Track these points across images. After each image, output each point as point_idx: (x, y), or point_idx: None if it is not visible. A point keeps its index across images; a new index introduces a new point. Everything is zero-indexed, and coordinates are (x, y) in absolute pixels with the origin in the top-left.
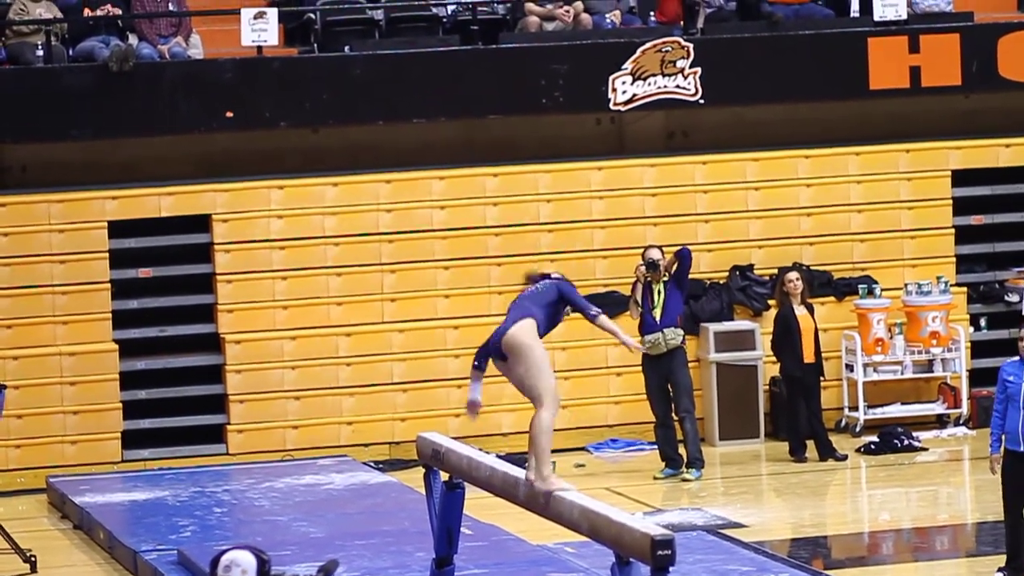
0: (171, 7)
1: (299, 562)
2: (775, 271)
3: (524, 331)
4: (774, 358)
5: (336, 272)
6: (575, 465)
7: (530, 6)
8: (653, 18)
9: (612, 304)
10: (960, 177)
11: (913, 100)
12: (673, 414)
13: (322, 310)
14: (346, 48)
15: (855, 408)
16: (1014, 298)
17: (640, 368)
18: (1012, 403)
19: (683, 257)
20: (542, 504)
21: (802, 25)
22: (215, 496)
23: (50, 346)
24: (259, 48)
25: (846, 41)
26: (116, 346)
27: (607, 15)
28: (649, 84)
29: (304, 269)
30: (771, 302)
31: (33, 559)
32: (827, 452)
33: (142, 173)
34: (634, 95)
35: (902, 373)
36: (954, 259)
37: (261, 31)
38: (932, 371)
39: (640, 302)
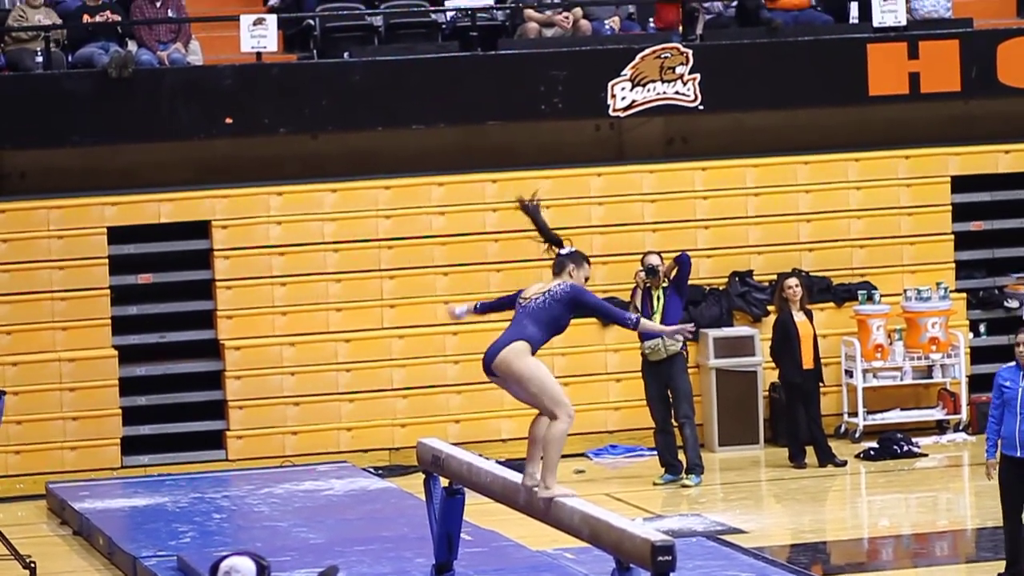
0: (170, 13)
1: (299, 568)
2: (774, 277)
3: (513, 356)
4: (773, 364)
5: (335, 278)
6: (575, 471)
7: (529, 12)
8: (652, 24)
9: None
10: (959, 183)
11: (912, 106)
12: (673, 420)
13: (321, 316)
14: (345, 54)
15: (854, 414)
16: (1013, 304)
17: (640, 374)
18: (1009, 408)
19: (682, 263)
20: (542, 510)
21: (801, 31)
22: (214, 502)
23: (49, 352)
24: (258, 54)
25: (845, 47)
26: (115, 352)
27: (606, 21)
28: (648, 90)
29: (303, 275)
30: (770, 308)
31: (33, 565)
32: (826, 458)
33: (141, 179)
34: (633, 101)
35: (901, 379)
36: (953, 265)
37: (260, 37)
38: (931, 377)
39: (640, 308)
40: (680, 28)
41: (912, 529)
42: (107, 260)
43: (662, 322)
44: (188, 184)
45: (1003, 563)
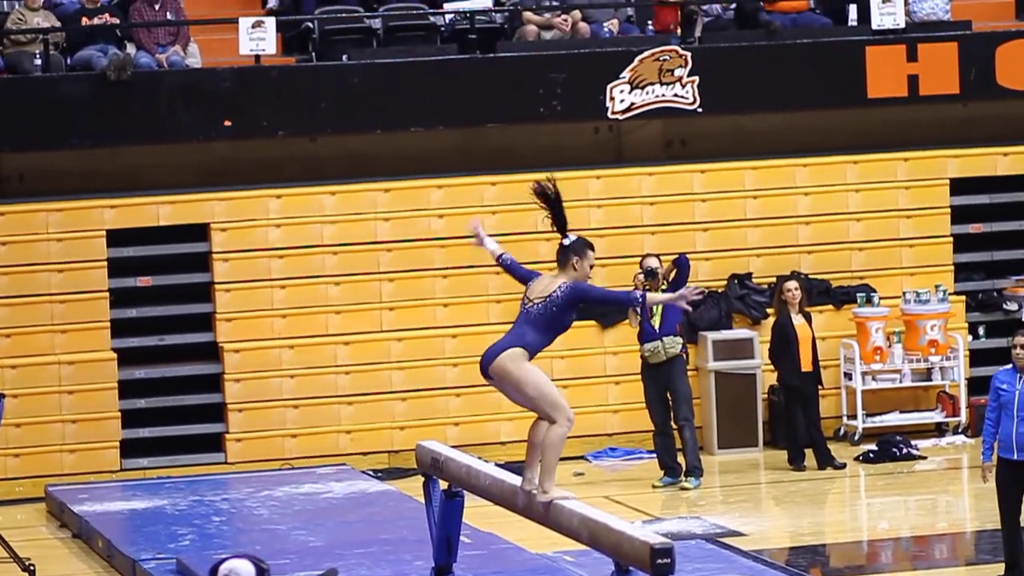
0: (169, 16)
1: (298, 571)
2: (773, 279)
3: (508, 363)
4: (772, 367)
5: (335, 281)
6: (574, 474)
7: (528, 15)
8: (651, 27)
9: (611, 313)
10: (958, 185)
11: (911, 109)
12: (672, 422)
13: (321, 319)
14: (344, 57)
15: (853, 416)
16: (1012, 306)
17: (639, 377)
18: (1005, 411)
19: (681, 265)
20: (541, 512)
21: (800, 34)
22: (214, 505)
23: (49, 355)
24: (257, 57)
25: (844, 50)
26: (115, 355)
27: (605, 24)
28: (647, 93)
29: (303, 278)
30: (770, 311)
31: (32, 568)
32: (826, 460)
33: (140, 182)
34: (632, 104)
35: (900, 381)
36: (952, 267)
37: (259, 40)
38: (931, 379)
39: (639, 311)
40: (679, 31)
41: (911, 531)
42: (106, 263)
43: (661, 325)
44: (187, 187)
45: (1002, 565)
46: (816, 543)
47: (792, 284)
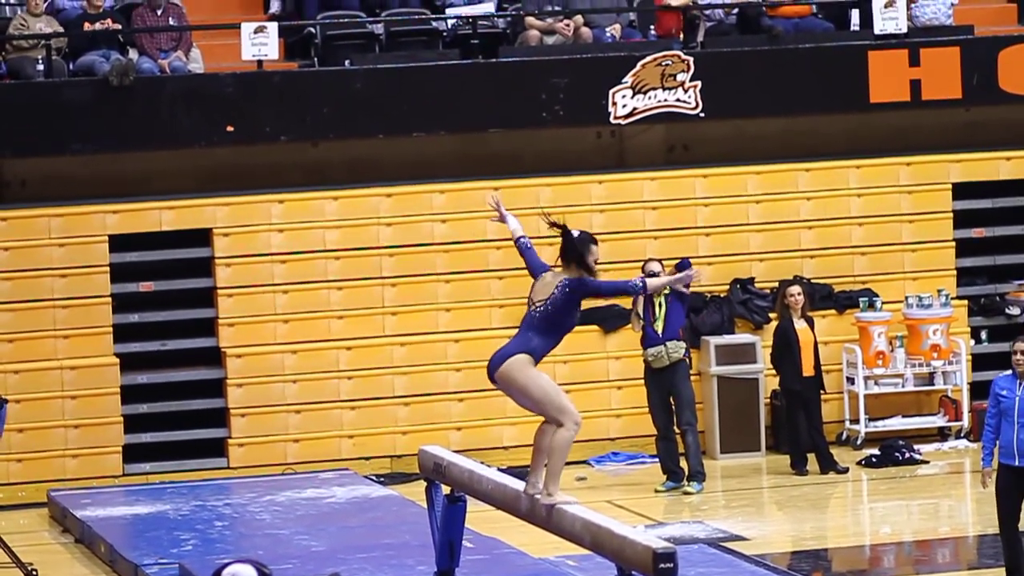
0: (171, 21)
1: (300, 575)
2: (776, 284)
3: (514, 369)
4: (774, 371)
5: (337, 286)
6: (576, 478)
7: (530, 20)
8: (653, 32)
9: (614, 317)
10: (961, 190)
11: (913, 113)
12: (675, 427)
13: (323, 324)
14: (346, 62)
15: (856, 421)
16: (1015, 311)
17: (641, 381)
18: (1006, 418)
19: (683, 270)
20: (544, 517)
21: (802, 39)
22: (216, 510)
23: (51, 360)
24: (259, 62)
25: (846, 54)
26: (117, 360)
27: (607, 29)
28: (649, 98)
29: (305, 283)
30: (772, 315)
31: (34, 573)
32: (828, 465)
33: (143, 187)
34: (634, 109)
35: (903, 386)
36: (955, 272)
37: (261, 45)
38: (933, 384)
39: (641, 315)
40: (681, 36)
41: (914, 536)
42: (108, 268)
43: (664, 330)
44: (189, 192)
45: (1003, 570)
46: (818, 547)
47: (795, 289)
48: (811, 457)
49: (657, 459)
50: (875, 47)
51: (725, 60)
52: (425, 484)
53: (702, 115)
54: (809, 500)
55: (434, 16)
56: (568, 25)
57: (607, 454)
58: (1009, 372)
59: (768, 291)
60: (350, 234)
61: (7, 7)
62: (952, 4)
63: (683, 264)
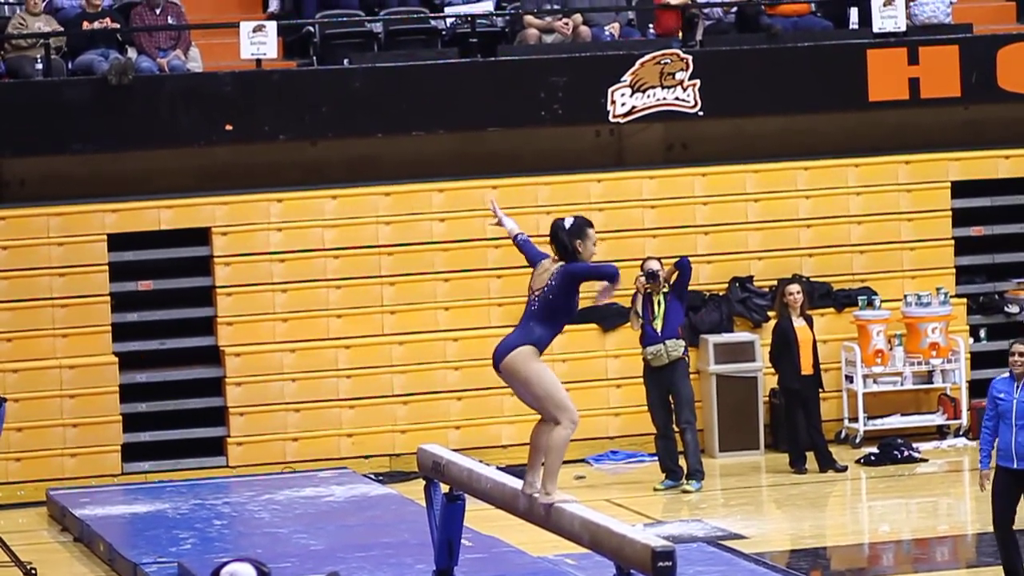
0: (170, 20)
1: (299, 574)
2: (775, 283)
3: (519, 361)
4: (773, 370)
5: (336, 284)
6: (575, 477)
7: (529, 19)
8: (652, 30)
9: (613, 315)
10: (960, 188)
11: (912, 112)
12: (674, 425)
13: (322, 322)
14: (345, 61)
15: (855, 419)
16: (1014, 309)
17: (640, 380)
18: (1004, 420)
19: (682, 268)
20: (542, 516)
21: (801, 37)
22: (215, 508)
23: (50, 359)
24: (258, 61)
25: (845, 53)
26: (116, 359)
27: (606, 27)
28: (648, 96)
29: (304, 281)
30: (771, 314)
31: (33, 572)
32: (827, 463)
33: (142, 186)
34: (633, 107)
35: (902, 384)
36: (954, 270)
37: (260, 44)
38: (932, 382)
39: (640, 313)
40: (680, 34)
41: (912, 534)
42: (107, 267)
43: (663, 329)
44: (188, 191)
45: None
46: (817, 546)
47: (794, 288)
48: (810, 455)
49: (656, 457)
50: (874, 45)
51: (724, 58)
52: (424, 483)
53: (701, 114)
54: (808, 498)
55: (433, 15)
56: (567, 24)
57: (606, 452)
58: (1006, 374)
59: (767, 289)
60: (349, 233)
61: (6, 6)
62: (951, 2)
63: (682, 262)
